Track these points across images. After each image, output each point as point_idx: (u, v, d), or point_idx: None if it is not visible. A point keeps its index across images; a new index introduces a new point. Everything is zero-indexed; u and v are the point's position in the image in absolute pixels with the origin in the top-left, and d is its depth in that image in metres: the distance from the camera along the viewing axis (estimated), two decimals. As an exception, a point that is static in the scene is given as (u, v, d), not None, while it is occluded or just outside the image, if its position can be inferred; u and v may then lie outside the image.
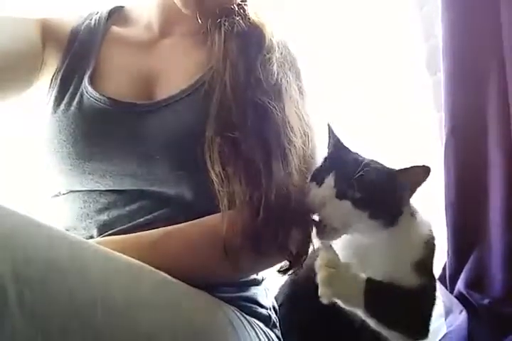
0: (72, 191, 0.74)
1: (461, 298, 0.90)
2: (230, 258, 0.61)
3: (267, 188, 0.63)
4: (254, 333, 0.66)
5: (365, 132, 1.16)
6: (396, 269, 0.68)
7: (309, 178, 0.68)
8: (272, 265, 0.70)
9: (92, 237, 0.69)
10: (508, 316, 0.81)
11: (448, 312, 0.91)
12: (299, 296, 0.79)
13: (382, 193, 0.65)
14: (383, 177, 0.65)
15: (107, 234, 0.68)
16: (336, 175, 0.65)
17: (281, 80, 0.70)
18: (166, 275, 0.58)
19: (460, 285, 0.91)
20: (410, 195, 0.68)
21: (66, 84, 0.74)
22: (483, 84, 0.93)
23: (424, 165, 0.67)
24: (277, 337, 0.73)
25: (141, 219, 0.68)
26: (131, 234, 0.64)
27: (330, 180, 0.65)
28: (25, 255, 0.42)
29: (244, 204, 0.63)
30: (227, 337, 0.60)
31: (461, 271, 0.92)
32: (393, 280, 0.66)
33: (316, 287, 0.72)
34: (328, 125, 0.73)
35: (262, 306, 0.73)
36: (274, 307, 0.78)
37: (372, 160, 0.68)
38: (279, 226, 0.64)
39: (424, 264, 0.69)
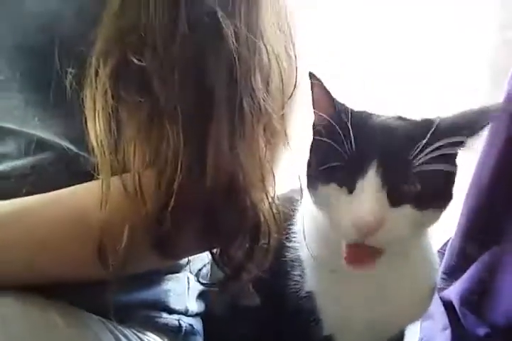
0: None
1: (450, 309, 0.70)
2: (106, 262, 0.39)
3: (184, 159, 0.39)
4: None
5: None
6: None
7: (327, 179, 0.42)
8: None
9: None
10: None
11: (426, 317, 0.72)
12: None
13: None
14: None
15: None
16: (379, 166, 0.40)
17: None
18: None
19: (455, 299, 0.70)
20: None
21: None
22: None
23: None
24: None
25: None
26: None
27: (372, 179, 0.39)
28: None
29: (142, 180, 0.39)
30: None
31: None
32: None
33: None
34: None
35: (170, 311, 0.53)
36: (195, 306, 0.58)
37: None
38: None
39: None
